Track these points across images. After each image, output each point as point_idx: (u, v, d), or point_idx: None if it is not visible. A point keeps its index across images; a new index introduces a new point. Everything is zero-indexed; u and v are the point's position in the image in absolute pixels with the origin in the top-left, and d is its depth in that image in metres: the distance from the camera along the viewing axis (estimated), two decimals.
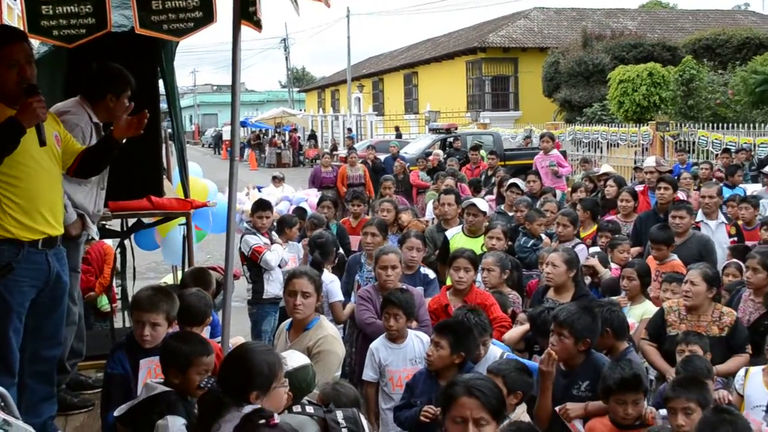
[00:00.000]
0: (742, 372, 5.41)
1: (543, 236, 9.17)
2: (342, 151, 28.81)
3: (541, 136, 16.89)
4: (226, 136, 55.41)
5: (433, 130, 27.86)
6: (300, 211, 10.98)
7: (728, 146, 19.61)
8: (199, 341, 4.35)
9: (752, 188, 13.11)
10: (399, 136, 37.45)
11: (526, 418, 4.92)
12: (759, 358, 5.84)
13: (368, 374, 6.05)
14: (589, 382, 5.07)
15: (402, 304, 5.93)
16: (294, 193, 15.01)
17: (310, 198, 14.84)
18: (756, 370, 5.20)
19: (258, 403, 3.68)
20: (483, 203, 9.12)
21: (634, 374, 4.70)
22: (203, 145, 67.11)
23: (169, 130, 8.31)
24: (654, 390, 5.89)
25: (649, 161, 12.84)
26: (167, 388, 4.10)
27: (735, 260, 8.11)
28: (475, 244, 8.28)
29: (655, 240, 7.79)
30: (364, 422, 4.26)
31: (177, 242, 7.86)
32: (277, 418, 3.25)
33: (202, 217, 8.12)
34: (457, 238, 8.68)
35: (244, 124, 51.95)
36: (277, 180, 15.68)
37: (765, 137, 20.23)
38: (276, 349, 5.35)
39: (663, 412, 4.84)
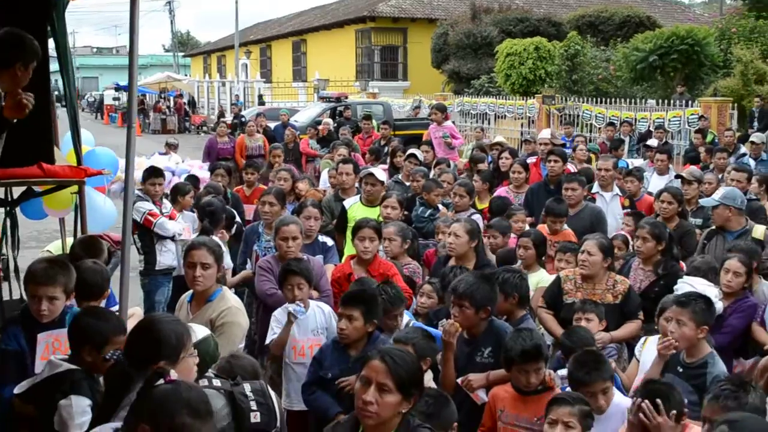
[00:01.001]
0: (641, 340, 5.60)
1: (440, 206, 9.25)
2: (229, 119, 28.36)
3: (432, 108, 17.00)
4: (108, 101, 53.77)
5: (323, 99, 27.67)
6: (193, 179, 10.73)
7: (612, 120, 20.21)
8: (116, 319, 4.20)
9: (636, 162, 13.58)
10: (262, 103, 37.33)
11: (432, 384, 4.98)
12: (650, 324, 6.07)
13: (272, 338, 5.95)
14: (491, 348, 5.16)
15: (303, 272, 5.88)
16: (178, 165, 14.60)
17: (193, 170, 14.47)
18: (653, 339, 5.40)
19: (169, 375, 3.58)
20: (381, 172, 9.11)
21: (535, 345, 4.78)
22: (83, 110, 64.80)
23: (56, 93, 7.93)
24: (552, 356, 6.03)
25: (544, 133, 13.12)
26: (73, 366, 3.93)
27: (621, 232, 8.37)
28: (373, 214, 8.27)
29: (552, 212, 7.95)
30: (272, 394, 4.20)
31: (100, 208, 7.50)
32: (174, 375, 3.16)
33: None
34: (355, 207, 8.65)
35: (126, 89, 50.29)
36: (170, 147, 15.23)
37: (645, 112, 20.96)
38: None
39: (561, 372, 4.95)
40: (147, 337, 3.65)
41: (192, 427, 3.03)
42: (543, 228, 7.93)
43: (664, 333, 5.28)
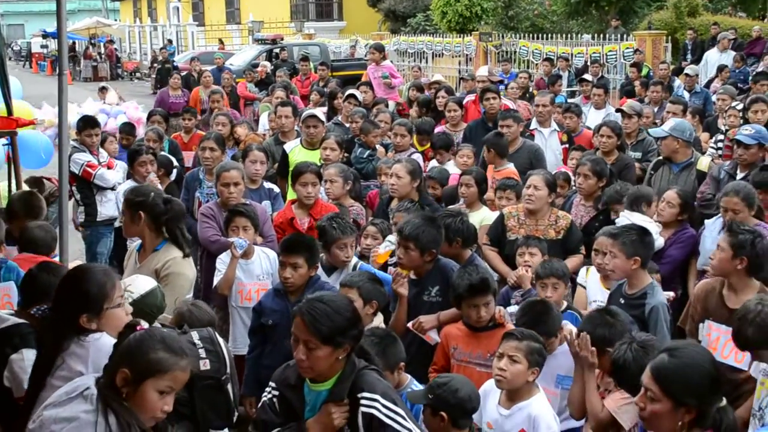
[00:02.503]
0: (584, 270, 5.70)
1: (378, 147, 9.22)
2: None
3: (370, 48, 16.83)
4: (36, 49, 52.09)
5: (258, 41, 27.23)
6: (128, 127, 10.50)
7: (549, 56, 20.28)
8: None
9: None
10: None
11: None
12: (590, 259, 6.18)
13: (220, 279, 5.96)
14: (438, 287, 5.19)
15: (249, 214, 5.86)
16: (112, 107, 14.29)
17: (129, 111, 14.18)
18: (594, 269, 5.50)
19: (91, 326, 3.56)
20: (322, 114, 9.04)
21: (481, 278, 4.82)
22: (10, 59, 62.70)
23: None
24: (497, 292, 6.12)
25: (482, 71, 13.11)
26: (20, 320, 3.87)
27: (563, 170, 8.45)
28: (315, 156, 8.22)
29: (491, 144, 7.97)
30: (221, 340, 4.19)
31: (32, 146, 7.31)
32: (144, 325, 3.18)
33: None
34: (296, 150, 8.58)
35: (54, 36, 48.78)
36: (104, 91, 14.85)
37: (581, 47, 21.07)
38: (126, 270, 5.17)
39: (510, 309, 5.02)
40: (68, 288, 3.63)
41: (168, 361, 3.10)
42: (490, 170, 7.94)
43: (596, 266, 5.38)
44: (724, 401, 3.11)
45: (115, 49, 45.31)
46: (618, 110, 10.27)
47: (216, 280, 5.98)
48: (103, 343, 3.53)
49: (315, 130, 8.55)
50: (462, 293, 4.84)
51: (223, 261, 5.97)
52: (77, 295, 3.58)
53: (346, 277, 5.04)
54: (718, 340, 4.81)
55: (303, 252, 5.10)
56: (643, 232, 5.18)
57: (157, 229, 5.14)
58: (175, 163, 9.01)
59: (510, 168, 7.89)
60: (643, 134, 9.37)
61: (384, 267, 5.90)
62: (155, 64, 31.89)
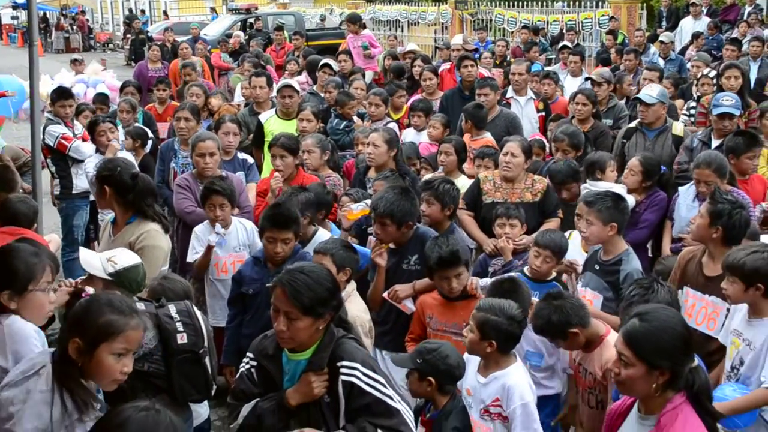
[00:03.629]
0: (567, 233, 5.71)
1: (355, 118, 9.17)
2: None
3: (345, 20, 16.67)
4: (6, 20, 51.25)
5: (232, 11, 26.95)
6: (102, 97, 10.39)
7: (524, 23, 20.23)
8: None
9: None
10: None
11: (356, 296, 5.02)
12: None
13: (194, 256, 5.97)
14: (417, 255, 5.20)
15: (226, 191, 5.83)
16: (90, 76, 14.09)
17: (107, 80, 14.00)
18: (576, 233, 5.51)
19: (10, 305, 3.55)
20: (297, 83, 8.98)
21: (451, 251, 4.82)
22: None
23: None
24: (474, 260, 6.14)
25: (456, 39, 13.04)
26: None
27: (538, 137, 8.46)
28: (290, 127, 8.18)
29: (470, 116, 7.96)
30: (198, 313, 4.20)
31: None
32: (90, 290, 3.16)
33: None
34: (271, 121, 8.53)
35: (24, 7, 48.00)
36: (75, 63, 14.63)
37: (557, 15, 21.03)
38: (101, 244, 5.13)
39: (482, 281, 5.02)
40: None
41: (118, 323, 3.09)
42: (467, 138, 7.93)
43: (579, 231, 5.39)
44: (696, 361, 3.14)
45: (87, 20, 44.71)
46: (587, 78, 10.29)
47: (190, 256, 5.98)
48: (15, 328, 3.53)
49: (290, 100, 8.50)
50: (432, 265, 4.86)
51: (198, 238, 5.96)
52: (4, 271, 3.56)
53: (320, 244, 5.03)
54: (693, 307, 4.85)
55: (293, 226, 5.12)
56: (619, 199, 5.18)
57: (126, 203, 5.11)
58: (150, 134, 8.92)
59: (487, 137, 7.88)
60: (614, 101, 9.42)
61: (363, 234, 5.90)
62: (129, 35, 31.51)
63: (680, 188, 6.60)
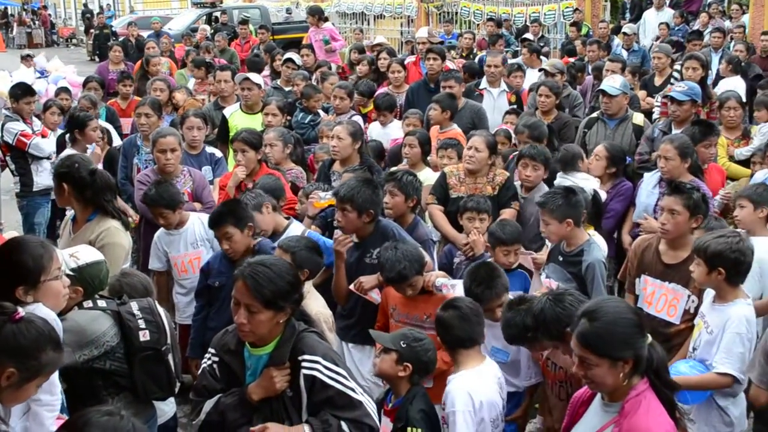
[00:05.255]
0: None
1: (320, 111, 9.15)
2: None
3: (307, 12, 16.61)
4: None
5: (197, 5, 26.77)
6: (62, 91, 10.26)
7: (490, 16, 20.26)
8: None
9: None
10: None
11: (315, 292, 5.04)
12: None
13: (155, 264, 6.01)
14: (379, 249, 5.14)
15: (162, 201, 5.81)
16: (51, 74, 13.91)
17: (68, 76, 13.82)
18: None
19: (27, 299, 3.50)
20: (257, 77, 8.95)
21: (398, 273, 4.76)
22: None
23: None
24: (439, 249, 6.17)
25: (422, 32, 13.06)
26: None
27: (504, 127, 8.49)
28: (255, 121, 8.16)
29: (447, 105, 7.97)
30: (161, 310, 4.17)
31: None
32: (22, 312, 3.10)
33: None
34: (235, 115, 8.50)
35: None
36: (27, 59, 14.43)
37: (522, 7, 21.07)
38: (61, 241, 5.08)
39: (441, 280, 4.99)
40: (3, 261, 3.55)
41: (58, 361, 3.08)
42: (435, 130, 7.94)
43: None
44: (650, 338, 3.16)
45: (50, 14, 44.13)
46: (541, 69, 10.36)
47: (151, 263, 6.03)
48: (40, 312, 3.47)
49: (250, 93, 8.49)
50: (386, 281, 4.92)
51: (157, 247, 5.97)
52: (13, 267, 3.52)
53: (284, 240, 5.02)
54: (653, 294, 4.91)
55: (227, 220, 5.11)
56: (569, 193, 5.17)
57: (85, 199, 5.05)
58: (113, 130, 8.84)
59: (455, 129, 7.90)
60: (567, 90, 9.51)
61: (327, 226, 5.88)
62: (92, 30, 31.14)
63: (645, 174, 6.70)
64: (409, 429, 4.03)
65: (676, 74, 9.94)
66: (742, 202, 5.43)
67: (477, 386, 4.09)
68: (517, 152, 7.17)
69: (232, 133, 8.11)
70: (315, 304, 4.76)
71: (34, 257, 3.56)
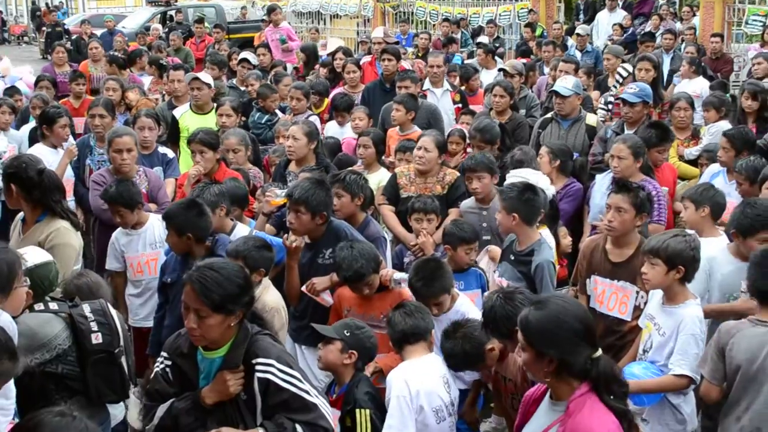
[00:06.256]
0: None
1: (277, 112, 9.12)
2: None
3: (268, 10, 16.50)
4: None
5: (152, 3, 26.49)
6: (13, 91, 10.09)
7: (446, 16, 20.33)
8: None
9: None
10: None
11: (271, 286, 5.03)
12: None
13: (112, 264, 5.95)
14: (332, 249, 5.17)
15: (120, 200, 5.77)
16: (5, 76, 13.64)
17: (25, 77, 13.58)
18: None
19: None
20: (206, 76, 8.88)
21: (355, 272, 4.81)
22: None
23: None
24: (393, 247, 6.23)
25: (377, 32, 13.05)
26: None
27: (458, 127, 8.53)
28: (205, 121, 8.10)
29: (410, 106, 7.96)
30: (113, 312, 4.14)
31: None
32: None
33: None
34: (186, 116, 8.43)
35: None
36: None
37: (477, 8, 21.19)
38: (11, 242, 5.02)
39: (398, 275, 5.02)
40: None
41: (12, 371, 3.11)
42: (394, 132, 7.96)
43: None
44: (599, 352, 3.13)
45: (1, 12, 43.30)
46: (500, 69, 10.45)
47: (109, 263, 5.96)
48: (5, 320, 3.47)
49: (199, 92, 8.44)
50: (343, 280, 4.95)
51: (114, 247, 5.91)
52: None
53: (231, 246, 4.96)
54: (603, 294, 5.00)
55: (168, 222, 5.09)
56: (525, 189, 5.19)
57: (33, 200, 5.00)
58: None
59: (416, 130, 7.85)
60: (525, 91, 9.61)
61: (282, 226, 5.87)
62: (43, 28, 30.63)
63: (597, 176, 6.78)
64: (357, 410, 4.12)
65: (618, 76, 10.09)
66: (686, 203, 5.52)
67: (414, 375, 4.19)
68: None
69: (183, 134, 8.09)
70: (270, 298, 4.84)
71: (8, 263, 3.55)
